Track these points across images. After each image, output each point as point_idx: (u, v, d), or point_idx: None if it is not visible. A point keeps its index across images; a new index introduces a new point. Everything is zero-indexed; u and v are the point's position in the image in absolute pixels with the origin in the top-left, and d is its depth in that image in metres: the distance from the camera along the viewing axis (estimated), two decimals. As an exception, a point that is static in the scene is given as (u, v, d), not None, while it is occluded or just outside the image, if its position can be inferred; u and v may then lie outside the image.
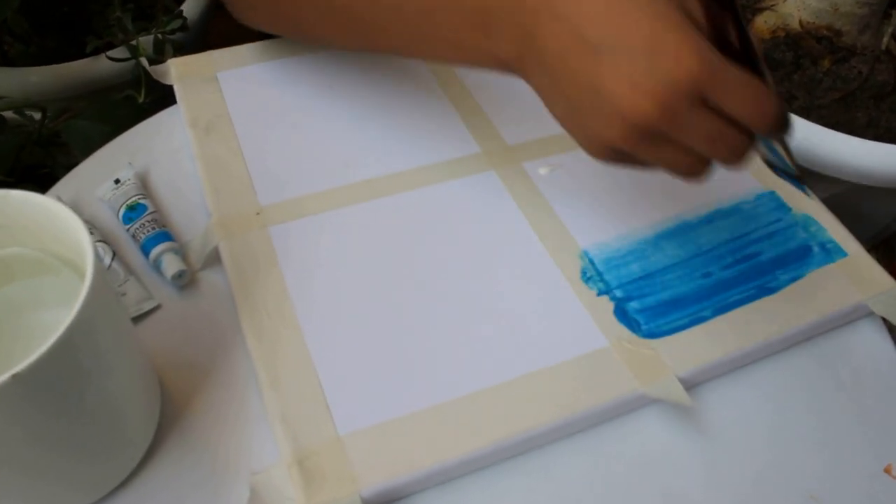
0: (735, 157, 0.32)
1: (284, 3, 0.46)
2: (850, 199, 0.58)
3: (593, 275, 0.42)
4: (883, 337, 0.42)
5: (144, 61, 0.52)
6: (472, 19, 0.37)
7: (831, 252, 0.44)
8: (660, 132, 0.31)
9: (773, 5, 0.63)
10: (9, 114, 0.57)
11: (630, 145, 0.32)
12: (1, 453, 0.29)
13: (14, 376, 0.26)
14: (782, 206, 0.46)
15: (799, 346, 0.41)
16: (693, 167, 0.33)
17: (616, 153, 0.33)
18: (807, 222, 0.45)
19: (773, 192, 0.47)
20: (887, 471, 0.37)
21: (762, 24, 0.65)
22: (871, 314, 0.43)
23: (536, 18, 0.34)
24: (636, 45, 0.30)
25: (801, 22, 0.63)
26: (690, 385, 0.39)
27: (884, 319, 0.42)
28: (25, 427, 0.29)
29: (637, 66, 0.30)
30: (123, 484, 0.35)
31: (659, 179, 0.46)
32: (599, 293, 0.41)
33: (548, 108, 0.35)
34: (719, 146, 0.32)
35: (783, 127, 0.33)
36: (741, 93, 0.30)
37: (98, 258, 0.30)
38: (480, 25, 0.36)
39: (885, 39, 0.62)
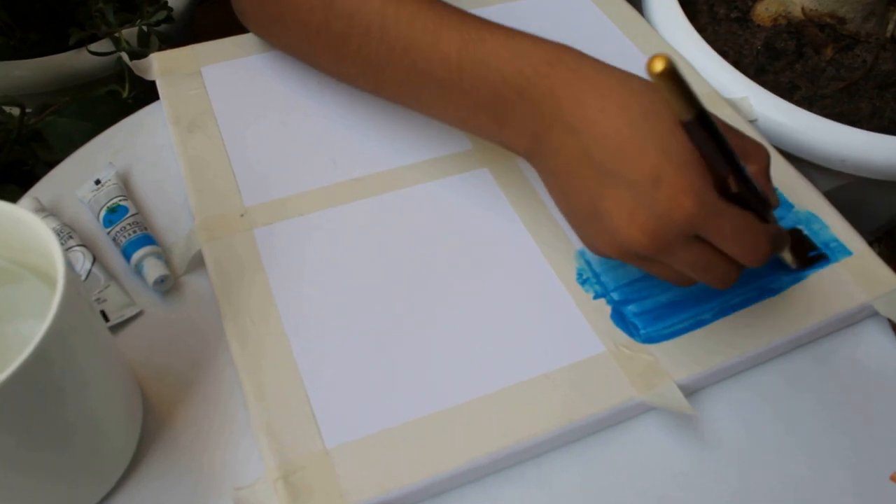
0: (723, 284, 0.34)
1: (298, 34, 0.45)
2: (853, 192, 0.56)
3: (589, 276, 0.40)
4: (888, 339, 0.41)
5: (126, 56, 0.50)
6: (487, 108, 0.37)
7: (835, 251, 0.42)
8: (651, 258, 0.33)
9: (774, -8, 0.62)
10: (-13, 110, 0.55)
11: (623, 259, 0.34)
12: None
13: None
14: (785, 204, 0.45)
15: (801, 349, 0.40)
16: (683, 282, 0.35)
17: (611, 256, 0.35)
18: (810, 220, 0.44)
19: (774, 189, 0.45)
20: (893, 479, 0.36)
21: (763, 11, 0.63)
22: (876, 315, 0.41)
23: (550, 126, 0.35)
24: (639, 178, 0.31)
25: (803, 9, 0.62)
26: (691, 391, 0.38)
27: (889, 321, 0.41)
28: (-4, 448, 0.28)
29: (636, 198, 0.31)
30: (104, 500, 0.33)
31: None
32: (596, 296, 0.40)
33: (553, 198, 0.37)
34: (709, 274, 0.33)
35: (777, 253, 0.35)
36: (734, 235, 0.31)
37: (70, 269, 0.29)
38: (494, 116, 0.37)
39: (891, 27, 0.61)
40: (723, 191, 0.32)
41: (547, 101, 0.35)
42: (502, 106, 0.36)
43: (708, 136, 0.30)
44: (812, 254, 0.42)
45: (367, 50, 0.41)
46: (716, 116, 0.33)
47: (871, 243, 0.43)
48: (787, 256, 0.40)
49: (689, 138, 0.31)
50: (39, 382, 0.27)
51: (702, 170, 0.31)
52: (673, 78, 0.28)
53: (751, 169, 0.34)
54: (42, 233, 0.30)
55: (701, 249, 0.32)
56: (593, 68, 0.34)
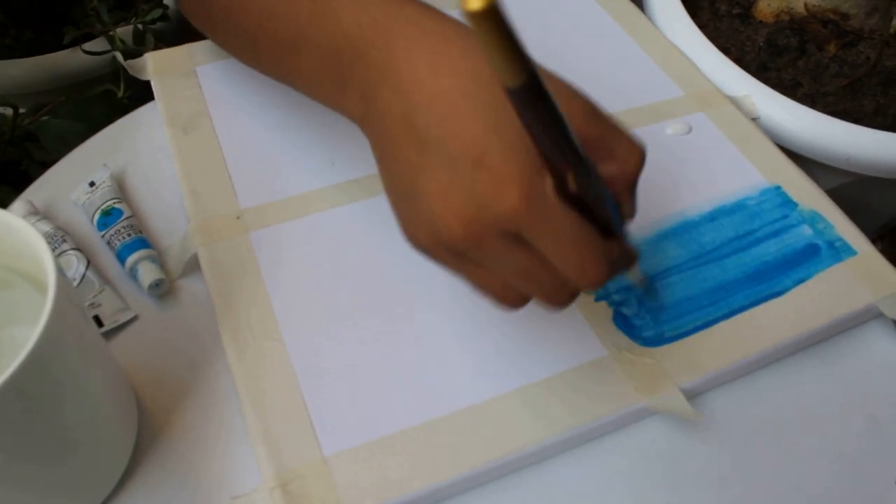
0: (554, 302, 0.28)
1: (202, 14, 0.44)
2: (856, 190, 0.55)
3: (591, 278, 0.40)
4: (894, 340, 0.40)
5: (119, 56, 0.50)
6: (328, 68, 0.33)
7: (840, 251, 0.42)
8: (466, 255, 0.27)
9: (776, -13, 0.61)
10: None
11: (437, 256, 0.29)
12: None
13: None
14: (788, 202, 0.44)
15: (805, 351, 0.40)
16: (506, 297, 0.29)
17: (427, 253, 0.30)
18: (814, 219, 0.43)
19: (778, 187, 0.45)
20: (900, 483, 0.35)
21: (765, 7, 0.62)
22: (881, 315, 0.41)
23: (378, 85, 0.30)
24: (459, 154, 0.26)
25: (806, 5, 0.61)
26: (694, 395, 0.37)
27: (895, 322, 0.41)
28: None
29: (454, 177, 0.26)
30: (98, 509, 0.33)
31: (658, 175, 0.44)
32: (597, 298, 0.39)
33: (380, 174, 0.31)
34: (533, 287, 0.28)
35: (621, 272, 0.29)
36: (559, 246, 0.26)
37: (61, 276, 0.28)
38: (334, 77, 0.33)
39: (894, 22, 0.60)
40: (562, 190, 0.26)
41: (380, 56, 0.30)
42: (340, 64, 0.32)
43: (540, 111, 0.23)
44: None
45: (245, 20, 0.38)
46: (578, 99, 0.28)
47: (873, 241, 0.43)
48: (635, 275, 0.36)
49: (517, 113, 0.24)
50: (30, 392, 0.27)
51: (536, 157, 0.26)
52: (495, 20, 0.19)
53: (609, 169, 0.28)
54: (32, 239, 0.29)
55: (523, 254, 0.27)
56: (434, 21, 0.30)
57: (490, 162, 0.26)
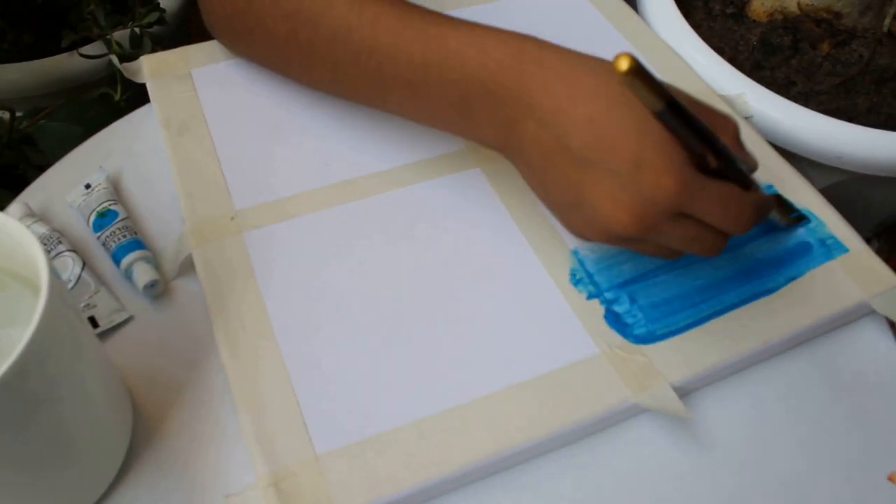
0: (712, 252, 0.34)
1: (268, 46, 0.45)
2: (851, 188, 0.56)
3: (583, 276, 0.40)
4: (886, 337, 0.40)
5: (115, 59, 0.50)
6: (455, 106, 0.37)
7: (831, 248, 0.42)
8: (639, 239, 0.33)
9: (770, -13, 0.61)
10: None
11: (610, 244, 0.35)
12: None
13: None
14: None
15: (798, 348, 0.40)
16: (670, 255, 0.36)
17: (599, 241, 0.35)
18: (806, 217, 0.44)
19: (769, 186, 0.45)
20: (891, 479, 0.36)
21: (759, 6, 0.62)
22: (873, 313, 0.41)
23: (520, 120, 0.35)
24: (619, 164, 0.31)
25: (799, 4, 0.61)
26: (685, 392, 0.37)
27: (887, 319, 0.41)
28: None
29: (619, 183, 0.32)
30: (93, 508, 0.33)
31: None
32: (589, 296, 0.39)
33: (532, 190, 0.37)
34: (697, 247, 0.34)
35: (763, 217, 0.35)
36: (718, 208, 0.32)
37: (55, 278, 0.28)
38: (464, 113, 0.37)
39: (888, 21, 0.60)
40: (702, 166, 0.32)
41: (514, 94, 0.35)
42: (470, 102, 0.36)
43: (681, 120, 0.31)
44: (794, 215, 0.43)
45: (334, 56, 0.41)
46: (682, 93, 0.33)
47: (869, 239, 0.43)
48: (777, 217, 0.42)
49: (664, 126, 0.31)
50: (23, 392, 0.27)
51: (679, 148, 0.31)
52: (639, 74, 0.28)
53: (723, 139, 0.34)
54: (27, 240, 0.29)
55: (687, 225, 0.33)
56: (557, 57, 0.35)
57: (646, 164, 0.31)
